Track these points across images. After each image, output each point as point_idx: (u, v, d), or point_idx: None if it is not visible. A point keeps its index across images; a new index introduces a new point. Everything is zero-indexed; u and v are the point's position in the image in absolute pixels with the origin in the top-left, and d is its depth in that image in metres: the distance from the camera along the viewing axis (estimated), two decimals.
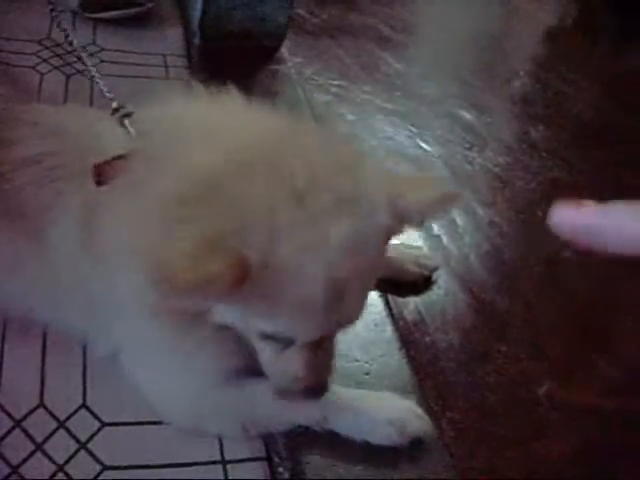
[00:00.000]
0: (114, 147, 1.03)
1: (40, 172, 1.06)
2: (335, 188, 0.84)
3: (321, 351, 0.95)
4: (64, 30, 1.50)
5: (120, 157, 0.99)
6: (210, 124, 0.97)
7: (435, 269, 1.51)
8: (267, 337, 0.92)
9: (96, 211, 0.99)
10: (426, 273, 1.50)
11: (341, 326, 0.95)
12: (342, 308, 0.87)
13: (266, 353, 0.96)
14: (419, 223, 0.92)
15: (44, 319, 1.17)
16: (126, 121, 1.08)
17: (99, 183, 0.98)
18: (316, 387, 0.99)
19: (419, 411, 1.14)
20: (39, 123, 1.13)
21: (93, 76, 1.30)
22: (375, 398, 1.14)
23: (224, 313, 0.89)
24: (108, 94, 1.19)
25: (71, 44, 1.51)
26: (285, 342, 0.92)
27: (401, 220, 0.89)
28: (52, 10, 1.52)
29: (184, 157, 0.89)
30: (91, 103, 1.70)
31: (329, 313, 0.87)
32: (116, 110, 1.11)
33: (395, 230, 0.91)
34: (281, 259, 0.81)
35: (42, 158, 1.07)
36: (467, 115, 2.25)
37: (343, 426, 1.10)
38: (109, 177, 0.98)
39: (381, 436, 1.10)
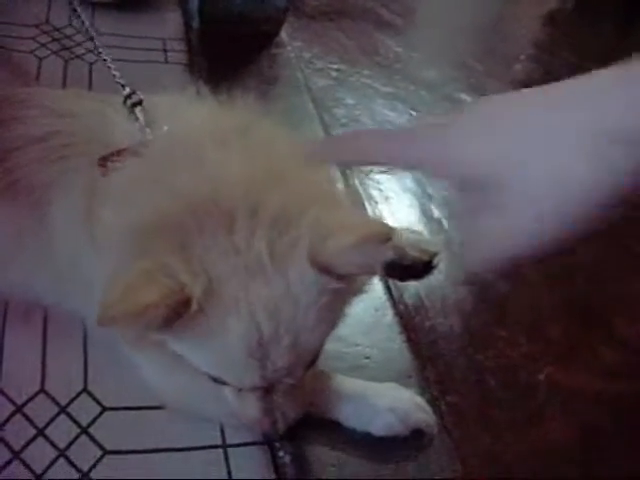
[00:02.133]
0: (121, 134, 1.04)
1: (45, 150, 1.05)
2: (267, 243, 0.82)
3: (278, 396, 0.93)
4: (77, 16, 1.49)
5: (124, 150, 0.99)
6: (204, 149, 0.93)
7: (436, 254, 1.44)
8: (214, 379, 0.92)
9: (96, 196, 1.00)
10: (426, 258, 1.45)
11: (282, 378, 0.90)
12: (271, 363, 0.86)
13: (224, 390, 0.97)
14: (353, 272, 0.86)
15: (45, 301, 1.17)
16: (136, 109, 1.07)
17: (103, 174, 0.99)
18: (270, 432, 0.99)
19: (421, 402, 1.15)
20: (45, 104, 1.13)
21: (105, 60, 1.29)
22: (377, 388, 1.14)
23: (174, 345, 0.89)
24: (120, 80, 1.18)
25: (87, 31, 1.50)
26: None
27: (328, 273, 0.83)
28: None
29: (169, 179, 0.89)
30: (90, 88, 1.69)
31: (257, 366, 0.86)
32: (127, 97, 1.10)
33: (329, 283, 0.84)
34: (212, 308, 0.82)
35: (47, 137, 1.06)
36: (468, 99, 2.24)
37: (344, 416, 1.10)
38: (111, 169, 0.98)
39: (382, 426, 1.10)
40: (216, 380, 0.92)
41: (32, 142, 1.06)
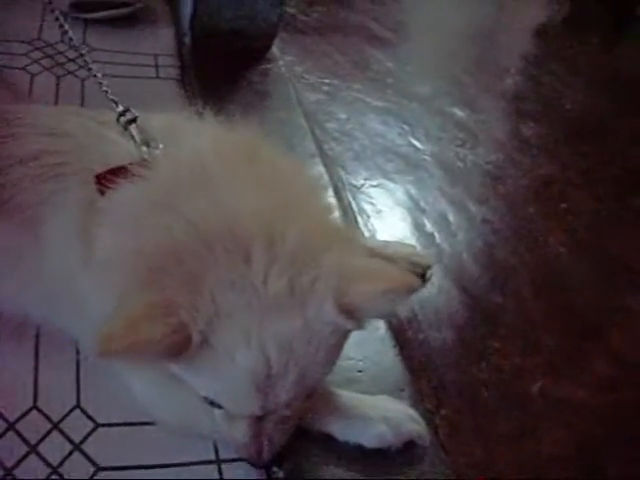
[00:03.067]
0: (116, 153, 1.03)
1: (38, 169, 1.05)
2: (287, 279, 0.83)
3: (268, 425, 0.93)
4: (65, 33, 1.49)
5: (122, 168, 0.99)
6: (213, 174, 0.93)
7: (428, 267, 1.43)
8: (210, 402, 0.92)
9: (91, 215, 0.99)
10: (418, 271, 1.43)
11: (279, 408, 0.91)
12: (274, 395, 0.86)
13: (216, 414, 0.97)
14: (374, 316, 0.89)
15: (37, 318, 1.16)
16: (131, 127, 1.07)
17: (101, 192, 0.98)
18: (255, 458, 0.98)
19: (413, 413, 1.14)
20: (37, 122, 1.13)
21: (95, 75, 1.29)
22: (369, 400, 1.14)
23: (176, 369, 0.89)
24: (112, 97, 1.18)
25: (76, 48, 1.50)
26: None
27: (349, 316, 0.84)
28: (52, 11, 1.51)
29: (179, 204, 0.89)
30: (82, 104, 1.69)
31: (259, 398, 0.86)
32: (121, 114, 1.10)
33: (346, 325, 0.86)
34: (219, 341, 0.82)
35: (40, 155, 1.06)
36: (459, 112, 2.25)
37: (337, 428, 1.10)
38: (109, 187, 0.98)
39: (375, 437, 1.09)
40: (212, 403, 0.92)
41: (25, 160, 1.06)
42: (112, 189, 0.97)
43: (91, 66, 1.33)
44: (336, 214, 1.07)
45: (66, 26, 1.45)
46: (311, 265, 0.84)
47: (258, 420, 0.92)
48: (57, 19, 1.44)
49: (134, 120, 1.08)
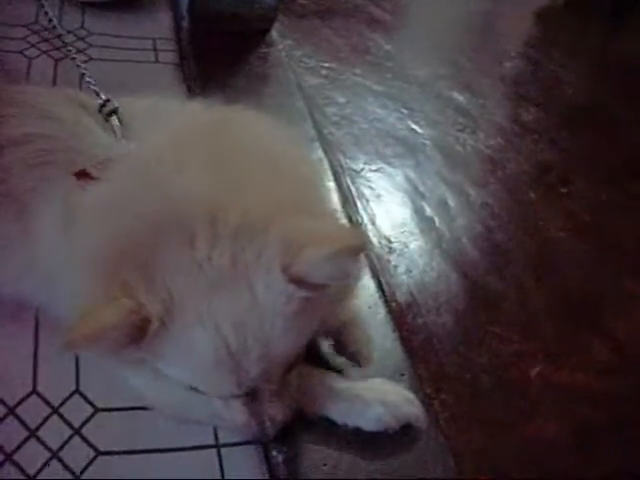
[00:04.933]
0: (96, 145, 1.04)
1: (28, 153, 1.05)
2: (229, 255, 0.82)
3: (262, 401, 0.93)
4: (50, 20, 1.48)
5: (97, 164, 0.99)
6: (167, 168, 0.91)
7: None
8: (192, 388, 0.92)
9: (71, 209, 0.99)
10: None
11: (260, 384, 0.90)
12: (244, 372, 0.86)
13: (212, 400, 0.96)
14: (326, 281, 0.85)
15: (34, 303, 1.17)
16: (112, 118, 1.07)
17: (81, 187, 0.99)
18: (259, 436, 0.98)
19: (411, 396, 1.15)
20: (30, 104, 1.13)
21: (79, 65, 1.28)
22: (366, 383, 1.14)
23: (150, 359, 0.89)
24: (94, 87, 1.17)
25: (59, 35, 1.49)
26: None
27: (299, 284, 0.83)
28: None
29: (131, 200, 0.90)
30: (80, 88, 1.68)
31: (230, 377, 0.86)
32: (103, 105, 1.10)
33: (298, 293, 0.83)
34: (177, 323, 0.82)
35: (31, 139, 1.06)
36: (459, 97, 2.25)
37: (335, 411, 1.10)
38: (88, 182, 0.98)
39: (373, 420, 1.10)
40: (194, 389, 0.92)
41: (16, 143, 1.06)
42: (88, 185, 0.97)
43: (70, 49, 1.32)
44: (307, 180, 1.03)
45: (45, 5, 1.44)
46: (257, 238, 0.83)
47: (252, 398, 0.92)
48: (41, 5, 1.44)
49: (115, 111, 1.08)
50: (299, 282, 0.82)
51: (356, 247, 0.82)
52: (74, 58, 1.29)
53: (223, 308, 0.82)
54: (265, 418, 0.94)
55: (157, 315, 0.80)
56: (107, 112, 1.08)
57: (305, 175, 1.03)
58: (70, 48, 1.33)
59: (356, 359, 1.15)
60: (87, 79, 1.21)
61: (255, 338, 0.83)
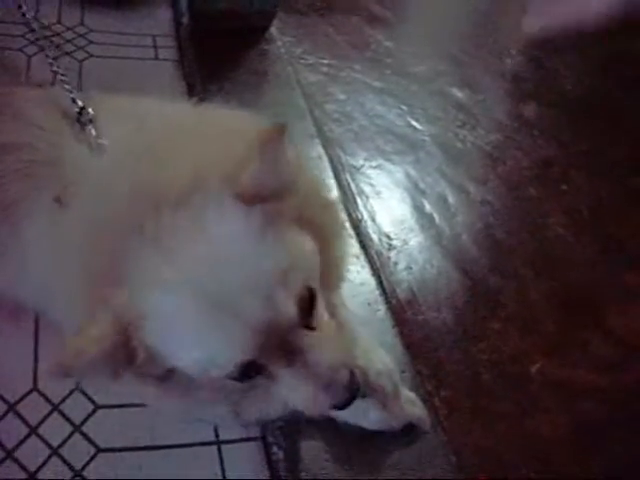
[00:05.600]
0: (72, 162, 1.04)
1: (18, 163, 1.06)
2: (180, 217, 0.81)
3: (311, 359, 0.85)
4: (23, 15, 1.47)
5: (64, 188, 1.00)
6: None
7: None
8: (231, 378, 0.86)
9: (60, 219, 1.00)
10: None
11: (284, 328, 0.83)
12: (252, 318, 0.79)
13: (278, 392, 0.91)
14: (274, 181, 0.82)
15: (29, 306, 1.17)
16: (88, 127, 1.06)
17: (61, 206, 0.99)
18: (335, 402, 0.88)
19: (413, 397, 1.15)
20: (16, 111, 1.12)
21: (56, 70, 1.28)
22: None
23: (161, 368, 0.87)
24: (70, 94, 1.15)
25: (32, 30, 1.48)
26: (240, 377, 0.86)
27: (253, 200, 0.80)
28: None
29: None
30: (79, 85, 1.69)
31: (237, 329, 0.80)
32: (79, 113, 1.09)
33: (256, 211, 0.81)
34: (155, 307, 0.80)
35: (21, 147, 1.06)
36: (459, 93, 2.24)
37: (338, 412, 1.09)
38: (67, 201, 0.98)
39: (375, 420, 1.10)
40: (233, 378, 0.86)
41: (7, 151, 1.07)
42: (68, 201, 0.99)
43: (47, 53, 1.32)
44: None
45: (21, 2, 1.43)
46: (198, 190, 0.81)
47: (302, 366, 0.85)
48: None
49: (91, 121, 1.07)
50: (250, 199, 0.80)
51: (271, 134, 0.80)
52: (52, 65, 1.28)
53: (188, 259, 0.79)
54: (327, 378, 0.86)
55: (134, 311, 0.79)
56: (83, 122, 1.08)
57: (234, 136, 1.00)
58: (42, 44, 1.32)
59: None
60: (65, 86, 1.19)
61: (233, 269, 0.79)
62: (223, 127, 1.01)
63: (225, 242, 0.80)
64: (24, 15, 1.49)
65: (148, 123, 1.04)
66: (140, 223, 0.81)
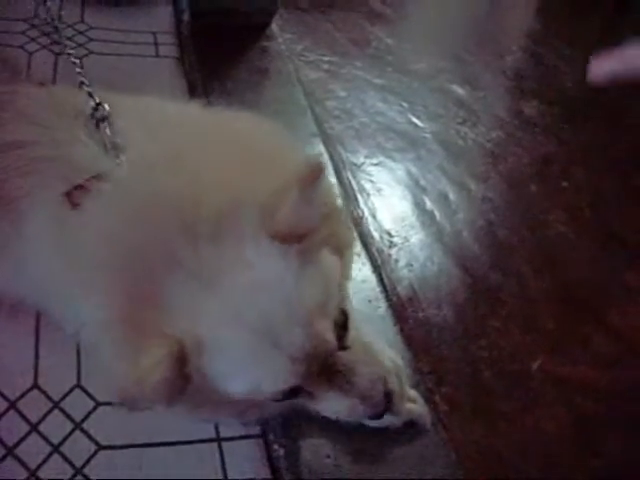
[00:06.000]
0: (84, 158, 1.03)
1: (21, 159, 1.05)
2: (214, 249, 0.82)
3: (344, 378, 0.90)
4: (51, 20, 1.47)
5: (87, 184, 0.98)
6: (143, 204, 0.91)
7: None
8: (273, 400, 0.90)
9: (64, 224, 0.99)
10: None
11: (321, 352, 0.86)
12: (293, 348, 0.83)
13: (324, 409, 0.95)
14: (312, 221, 0.84)
15: (29, 304, 1.16)
16: (102, 126, 1.05)
17: (73, 206, 0.98)
18: (372, 412, 0.95)
19: (414, 394, 1.15)
20: (21, 109, 1.12)
21: (74, 63, 1.27)
22: None
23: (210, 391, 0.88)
24: (88, 88, 1.15)
25: (56, 28, 1.48)
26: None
27: (289, 239, 0.82)
28: None
29: (119, 231, 0.89)
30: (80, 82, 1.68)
31: (282, 358, 0.83)
32: (95, 109, 1.09)
33: (290, 249, 0.83)
34: (206, 338, 0.82)
35: (22, 146, 1.05)
36: (459, 90, 2.24)
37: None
38: (81, 200, 0.97)
39: None
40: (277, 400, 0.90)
41: (8, 149, 1.06)
42: (79, 206, 0.97)
43: (70, 52, 1.31)
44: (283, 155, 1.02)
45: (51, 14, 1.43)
46: (231, 225, 0.83)
47: (341, 384, 0.90)
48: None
49: (106, 118, 1.06)
50: (287, 238, 0.82)
51: (310, 175, 0.81)
52: (70, 54, 1.28)
53: (231, 296, 0.82)
54: (366, 393, 0.91)
55: (189, 337, 0.80)
56: (98, 118, 1.07)
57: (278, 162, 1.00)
58: (67, 44, 1.31)
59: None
60: (81, 78, 1.20)
61: (274, 306, 0.82)
62: (242, 136, 1.03)
63: (266, 280, 0.82)
64: (53, 19, 1.49)
65: (165, 128, 1.04)
66: (173, 249, 0.83)
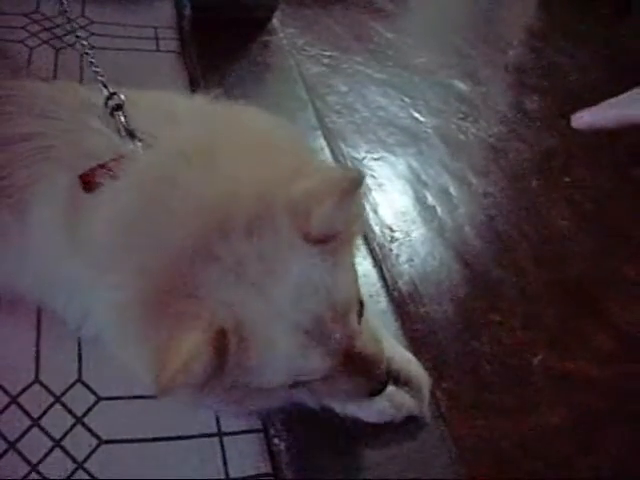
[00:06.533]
0: (99, 144, 1.02)
1: (27, 151, 1.04)
2: (254, 251, 0.82)
3: (348, 359, 0.90)
4: (65, 11, 1.47)
5: (105, 166, 0.98)
6: (176, 178, 0.90)
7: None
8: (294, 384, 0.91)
9: (78, 208, 0.99)
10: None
11: (349, 338, 0.88)
12: (332, 340, 0.85)
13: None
14: (345, 225, 0.86)
15: (31, 299, 1.16)
16: (117, 114, 1.04)
17: (87, 190, 0.98)
18: (374, 388, 0.96)
19: (419, 379, 1.15)
20: (30, 102, 1.12)
21: (87, 53, 1.27)
22: None
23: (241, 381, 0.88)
24: (101, 78, 1.15)
25: (69, 21, 1.48)
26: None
27: (324, 241, 0.84)
28: None
29: (153, 212, 0.89)
30: (81, 77, 1.68)
31: (321, 351, 0.85)
32: (108, 98, 1.08)
33: (325, 248, 0.85)
34: (248, 333, 0.82)
35: (30, 137, 1.05)
36: (461, 85, 2.24)
37: (337, 403, 1.10)
38: (96, 184, 0.97)
39: (375, 412, 1.10)
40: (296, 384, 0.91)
41: (15, 141, 1.06)
42: (97, 188, 0.96)
43: (83, 42, 1.31)
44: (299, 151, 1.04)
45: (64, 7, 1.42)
46: (267, 222, 0.83)
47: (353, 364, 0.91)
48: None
49: (120, 106, 1.05)
50: (322, 240, 0.83)
51: (352, 184, 0.83)
52: (84, 50, 1.27)
53: (276, 297, 0.82)
54: (372, 370, 0.93)
55: (230, 327, 0.80)
56: (112, 106, 1.07)
57: (298, 148, 1.04)
58: (78, 35, 1.31)
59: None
60: (94, 69, 1.19)
61: (320, 304, 0.83)
62: (258, 129, 1.03)
63: (307, 280, 0.83)
64: (65, 12, 1.49)
65: (180, 118, 1.03)
66: (206, 242, 0.83)
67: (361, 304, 0.93)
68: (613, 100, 0.77)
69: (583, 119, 0.80)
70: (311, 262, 0.84)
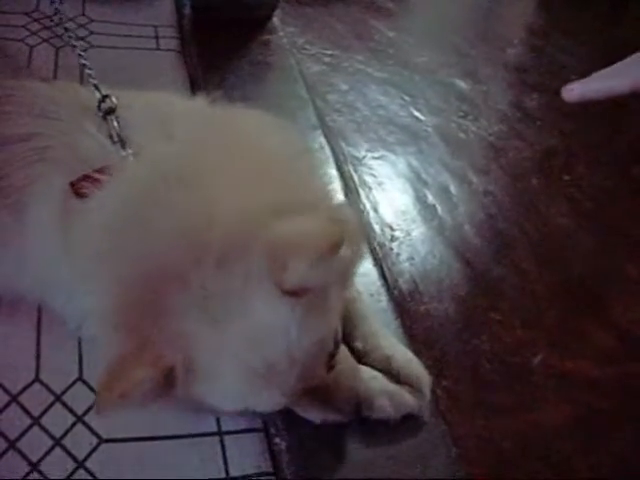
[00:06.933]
0: (91, 149, 1.02)
1: (26, 151, 1.04)
2: (224, 283, 0.81)
3: (322, 392, 0.94)
4: (57, 11, 1.47)
5: (95, 174, 0.98)
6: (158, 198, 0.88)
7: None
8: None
9: (69, 213, 0.99)
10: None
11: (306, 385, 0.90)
12: (285, 384, 0.85)
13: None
14: (322, 282, 0.83)
15: (32, 300, 1.16)
16: (110, 118, 1.04)
17: (78, 197, 0.98)
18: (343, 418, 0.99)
19: (421, 379, 1.15)
20: (31, 101, 1.12)
21: (81, 55, 1.26)
22: (369, 371, 1.14)
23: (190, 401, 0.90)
24: (93, 80, 1.14)
25: (65, 28, 1.47)
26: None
27: (297, 293, 0.80)
28: None
29: (130, 232, 0.89)
30: (81, 76, 1.68)
31: (272, 392, 0.85)
32: (101, 101, 1.08)
33: (303, 298, 0.82)
34: (199, 364, 0.82)
35: (29, 138, 1.05)
36: (461, 84, 2.24)
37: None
38: (88, 191, 0.97)
39: (375, 409, 1.10)
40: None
41: (14, 141, 1.06)
42: (87, 195, 0.96)
43: (75, 44, 1.30)
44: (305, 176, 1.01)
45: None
46: (240, 259, 0.81)
47: (322, 398, 0.94)
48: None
49: (113, 110, 1.05)
50: (295, 293, 0.80)
51: (332, 246, 0.77)
52: (75, 47, 1.27)
53: (234, 336, 0.81)
54: (342, 405, 0.97)
55: (179, 363, 0.81)
56: (105, 110, 1.06)
57: (296, 171, 1.00)
58: (71, 35, 1.30)
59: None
60: (87, 71, 1.19)
61: (276, 352, 0.82)
62: (254, 140, 1.01)
63: (269, 328, 0.82)
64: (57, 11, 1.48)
65: (174, 124, 1.03)
66: (179, 263, 0.82)
67: (336, 345, 0.92)
68: (602, 71, 0.82)
69: (574, 92, 0.84)
70: (277, 309, 0.81)
